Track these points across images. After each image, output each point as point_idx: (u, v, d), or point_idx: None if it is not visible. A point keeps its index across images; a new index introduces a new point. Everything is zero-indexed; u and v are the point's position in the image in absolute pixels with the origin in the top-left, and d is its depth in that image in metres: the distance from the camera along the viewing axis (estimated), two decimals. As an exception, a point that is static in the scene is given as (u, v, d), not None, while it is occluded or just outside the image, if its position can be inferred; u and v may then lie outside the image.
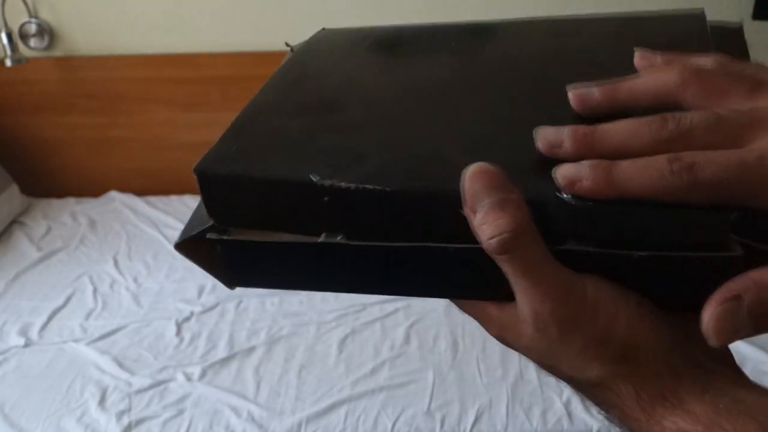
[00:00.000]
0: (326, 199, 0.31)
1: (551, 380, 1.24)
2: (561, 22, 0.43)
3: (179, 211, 1.85)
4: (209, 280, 1.56)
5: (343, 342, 1.37)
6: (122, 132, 1.95)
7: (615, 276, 0.30)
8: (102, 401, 1.22)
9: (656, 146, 0.28)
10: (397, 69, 0.40)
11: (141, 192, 1.95)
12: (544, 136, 0.30)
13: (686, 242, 0.28)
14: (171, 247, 1.69)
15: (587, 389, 0.32)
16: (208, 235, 0.34)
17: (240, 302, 1.49)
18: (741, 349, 1.27)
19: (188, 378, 1.28)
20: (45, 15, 1.85)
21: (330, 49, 0.44)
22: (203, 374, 1.29)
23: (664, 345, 0.29)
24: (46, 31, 1.84)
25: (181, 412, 1.20)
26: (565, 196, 0.29)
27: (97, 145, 1.97)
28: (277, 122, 0.36)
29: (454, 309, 1.66)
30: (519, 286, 0.29)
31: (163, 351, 1.35)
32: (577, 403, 1.19)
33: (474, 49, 0.41)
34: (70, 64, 1.89)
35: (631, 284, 0.30)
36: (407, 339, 1.37)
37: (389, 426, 1.17)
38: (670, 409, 0.29)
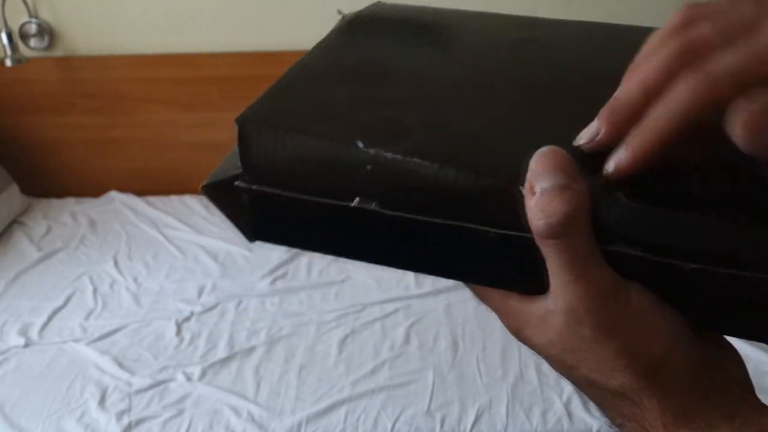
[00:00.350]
0: (368, 168, 0.30)
1: (551, 380, 1.24)
2: (622, 28, 0.42)
3: (179, 211, 1.85)
4: (209, 280, 1.56)
5: (343, 342, 1.37)
6: (122, 132, 1.95)
7: (658, 285, 0.29)
8: (102, 401, 1.22)
9: (676, 66, 0.27)
10: (448, 52, 0.40)
11: (141, 192, 1.95)
12: (583, 137, 0.30)
13: (741, 259, 0.27)
14: (171, 247, 1.69)
15: (605, 397, 0.31)
16: (237, 183, 0.33)
17: (240, 302, 1.49)
18: (741, 349, 1.27)
19: (188, 378, 1.28)
20: (45, 15, 1.84)
21: (382, 22, 0.43)
22: (203, 374, 1.29)
23: (694, 367, 0.29)
24: (46, 31, 1.84)
25: (181, 412, 1.20)
26: (620, 194, 0.28)
27: (97, 145, 1.97)
28: (322, 87, 0.35)
29: (454, 309, 1.66)
30: (559, 278, 0.28)
31: (163, 351, 1.35)
32: (577, 403, 1.19)
33: (531, 43, 0.40)
34: (70, 64, 1.89)
35: (674, 295, 0.29)
36: (407, 339, 1.37)
37: (389, 426, 1.17)
38: (697, 431, 0.28)
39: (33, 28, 1.83)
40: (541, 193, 0.27)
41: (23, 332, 1.41)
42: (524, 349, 1.40)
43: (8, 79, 1.87)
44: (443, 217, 0.30)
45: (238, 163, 0.33)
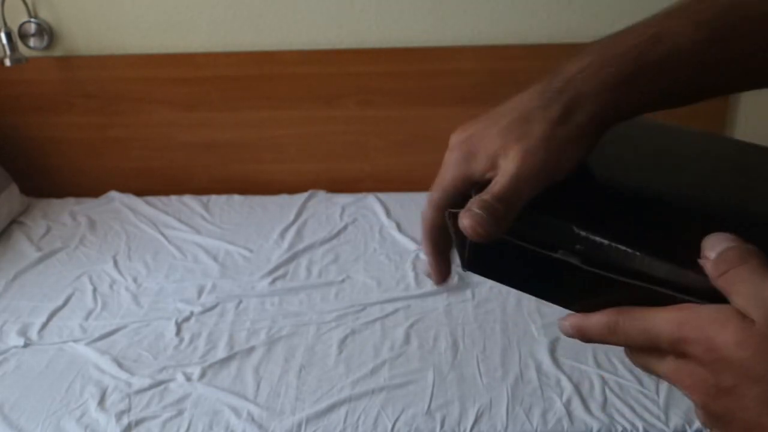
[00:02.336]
0: (578, 247, 0.35)
1: (551, 380, 1.24)
2: None
3: (179, 211, 1.85)
4: (209, 280, 1.56)
5: (343, 342, 1.37)
6: (122, 132, 1.95)
7: None
8: (102, 401, 1.22)
9: None
10: (672, 169, 0.44)
11: (141, 192, 1.95)
12: None
13: None
14: (171, 247, 1.69)
15: None
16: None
17: (240, 302, 1.49)
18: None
19: (188, 378, 1.27)
20: (45, 15, 1.84)
21: (629, 139, 0.47)
22: (203, 374, 1.28)
23: None
24: (45, 31, 1.84)
25: (181, 413, 1.20)
26: None
27: (96, 145, 1.97)
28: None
29: (454, 309, 1.66)
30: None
31: (162, 351, 1.35)
32: (577, 404, 1.19)
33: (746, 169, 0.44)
34: (70, 64, 1.89)
35: None
36: (407, 339, 1.37)
37: (389, 426, 1.17)
38: None
39: (32, 27, 1.83)
40: (714, 258, 0.32)
41: (23, 332, 1.41)
42: (524, 349, 1.40)
43: (8, 79, 1.87)
44: (635, 279, 0.34)
45: None
